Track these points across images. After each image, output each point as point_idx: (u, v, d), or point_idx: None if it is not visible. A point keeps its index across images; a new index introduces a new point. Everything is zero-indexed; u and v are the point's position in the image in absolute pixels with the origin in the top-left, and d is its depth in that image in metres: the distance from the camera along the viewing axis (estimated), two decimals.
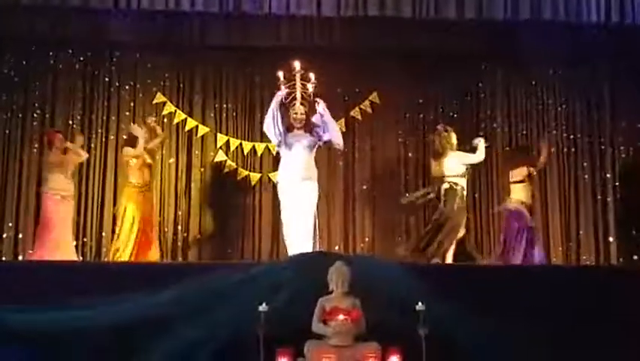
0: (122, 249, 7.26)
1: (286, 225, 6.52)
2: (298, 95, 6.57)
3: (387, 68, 8.63)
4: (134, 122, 8.27)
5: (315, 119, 6.68)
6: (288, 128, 6.61)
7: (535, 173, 7.72)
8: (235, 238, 8.51)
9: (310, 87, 6.60)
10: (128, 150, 7.55)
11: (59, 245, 7.20)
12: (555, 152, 8.73)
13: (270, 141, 8.45)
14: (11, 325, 4.71)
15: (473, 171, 7.92)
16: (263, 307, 4.55)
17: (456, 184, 7.29)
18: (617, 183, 8.63)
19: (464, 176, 7.40)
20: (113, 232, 8.10)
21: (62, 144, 7.48)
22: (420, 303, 4.56)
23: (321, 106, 6.59)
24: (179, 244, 8.42)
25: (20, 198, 8.27)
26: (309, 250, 6.12)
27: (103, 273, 5.82)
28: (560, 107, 8.85)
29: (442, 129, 7.51)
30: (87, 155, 7.90)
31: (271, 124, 6.57)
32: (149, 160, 7.64)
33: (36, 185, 8.14)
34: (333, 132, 6.69)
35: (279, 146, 6.68)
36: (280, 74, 6.65)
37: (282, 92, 6.57)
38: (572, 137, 8.80)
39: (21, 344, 4.69)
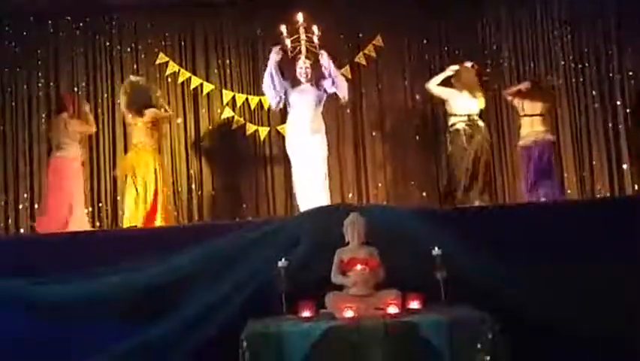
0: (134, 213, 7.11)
1: (297, 180, 6.52)
2: (303, 49, 6.46)
3: (389, 9, 8.54)
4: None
5: (322, 69, 6.55)
6: (294, 82, 6.52)
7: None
8: (249, 193, 8.58)
9: (315, 39, 6.45)
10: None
11: (73, 212, 7.14)
12: (564, 83, 8.65)
13: None
14: (33, 296, 4.77)
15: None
16: (282, 263, 4.59)
17: (466, 123, 7.17)
18: (628, 110, 8.55)
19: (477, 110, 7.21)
20: None
21: (75, 108, 7.41)
22: (436, 248, 4.59)
23: (325, 58, 6.47)
24: (195, 201, 8.50)
25: (32, 168, 8.36)
26: (322, 203, 6.13)
27: (121, 239, 5.85)
28: (565, 38, 8.72)
29: (461, 66, 7.36)
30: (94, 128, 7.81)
31: (270, 85, 6.47)
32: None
33: (47, 154, 8.18)
34: (340, 84, 6.57)
35: (278, 105, 6.58)
36: (283, 28, 6.48)
37: (277, 53, 6.40)
38: (579, 66, 8.69)
39: (41, 315, 4.76)
